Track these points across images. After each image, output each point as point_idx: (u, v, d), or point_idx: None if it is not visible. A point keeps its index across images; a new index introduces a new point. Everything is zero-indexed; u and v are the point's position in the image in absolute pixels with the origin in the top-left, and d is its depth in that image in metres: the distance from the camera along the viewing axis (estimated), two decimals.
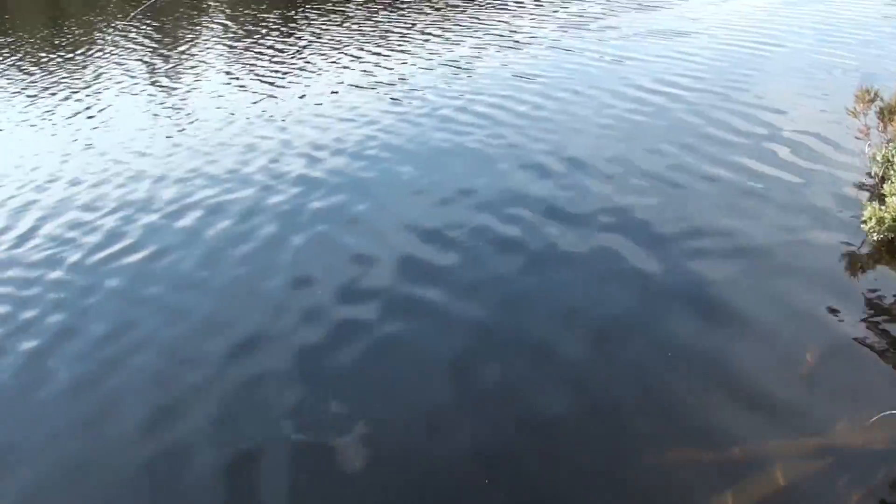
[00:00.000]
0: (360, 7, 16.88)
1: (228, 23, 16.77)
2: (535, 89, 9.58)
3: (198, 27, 16.75)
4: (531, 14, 14.56)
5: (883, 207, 5.16)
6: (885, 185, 5.42)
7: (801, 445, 3.70)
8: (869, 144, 6.05)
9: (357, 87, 10.59)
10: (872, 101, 6.08)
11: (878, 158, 5.79)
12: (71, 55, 14.91)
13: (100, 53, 14.77)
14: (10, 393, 4.85)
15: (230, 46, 14.26)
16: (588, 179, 6.71)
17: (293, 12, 16.93)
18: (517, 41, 12.49)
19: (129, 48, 15.10)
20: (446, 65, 11.37)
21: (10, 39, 17.06)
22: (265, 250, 6.11)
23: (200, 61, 13.45)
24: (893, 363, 4.15)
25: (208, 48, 14.48)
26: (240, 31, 15.65)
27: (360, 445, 4.03)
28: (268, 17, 16.73)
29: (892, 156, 5.69)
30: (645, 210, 6.05)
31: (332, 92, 10.44)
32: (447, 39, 13.08)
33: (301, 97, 10.36)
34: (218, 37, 15.43)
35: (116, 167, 8.46)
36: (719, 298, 4.89)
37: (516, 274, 5.41)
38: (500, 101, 9.23)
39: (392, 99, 9.83)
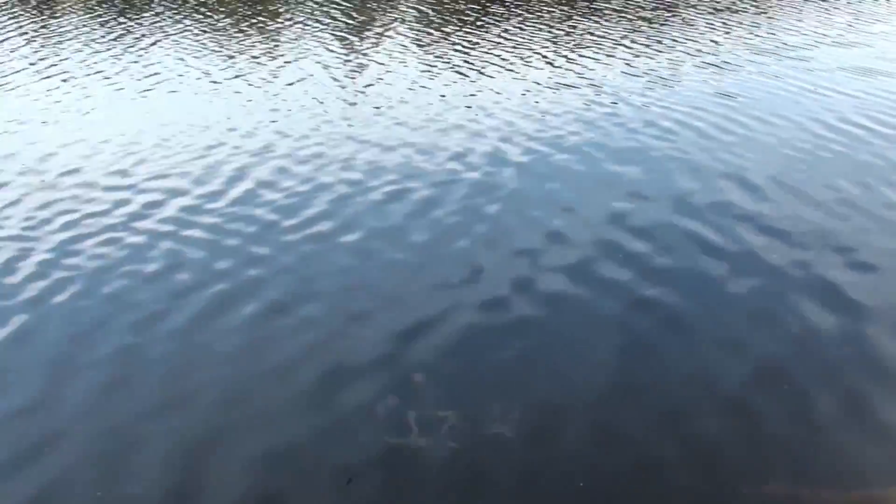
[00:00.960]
0: (552, 8, 16.96)
1: (425, 10, 17.01)
2: (733, 110, 9.80)
3: (394, 12, 16.98)
4: (727, 37, 14.55)
5: None
6: None
7: None
8: None
9: (549, 87, 10.93)
10: None
11: None
12: (272, 24, 15.59)
13: (299, 27, 15.28)
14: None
15: (427, 34, 14.54)
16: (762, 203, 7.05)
17: (487, 7, 17.10)
18: (715, 61, 12.57)
19: (327, 24, 15.54)
20: (643, 75, 11.59)
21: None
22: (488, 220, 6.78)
23: (398, 45, 13.94)
24: None
25: (402, 34, 14.80)
26: (435, 21, 15.97)
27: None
28: (463, 10, 16.93)
29: None
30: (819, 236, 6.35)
31: (525, 90, 10.80)
32: (643, 51, 13.20)
33: (497, 91, 10.74)
34: (412, 24, 15.67)
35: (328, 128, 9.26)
36: None
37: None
38: (698, 116, 9.54)
39: (586, 102, 10.18)
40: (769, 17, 15.94)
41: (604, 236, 6.37)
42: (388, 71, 12.00)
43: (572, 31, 14.89)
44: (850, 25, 15.32)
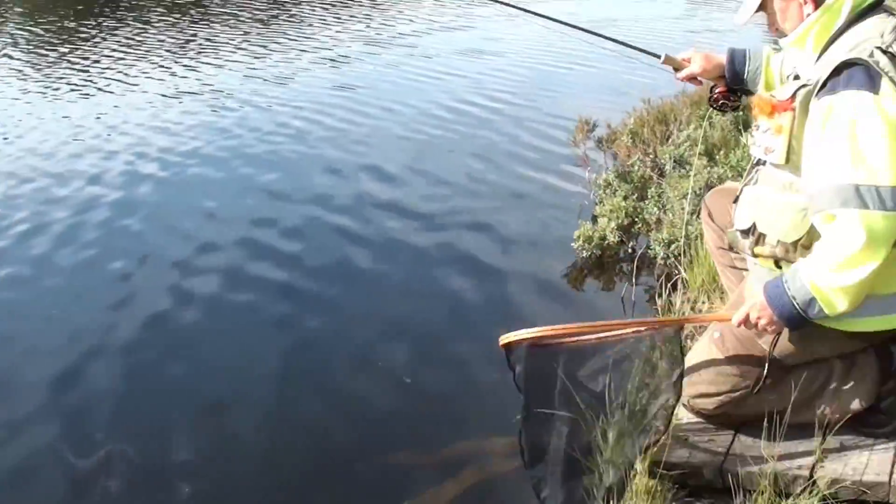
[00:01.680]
0: (166, 17, 16.43)
1: (37, 31, 15.67)
2: (358, 102, 10.01)
3: (3, 36, 15.51)
4: (342, 31, 14.82)
5: (593, 227, 5.70)
6: (597, 207, 6.02)
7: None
8: (588, 170, 6.61)
9: (176, 98, 10.54)
10: (592, 130, 6.71)
11: (600, 182, 6.32)
12: None
13: None
14: None
15: (43, 56, 13.38)
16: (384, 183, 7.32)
17: (101, 22, 16.13)
18: (334, 55, 12.76)
19: None
20: (266, 78, 11.47)
21: None
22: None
23: (13, 70, 12.79)
24: None
25: (16, 58, 13.61)
26: (50, 41, 14.70)
27: None
28: (76, 28, 15.82)
29: (610, 181, 6.26)
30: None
31: (152, 103, 10.32)
32: (262, 53, 13.21)
33: (124, 108, 10.19)
34: (25, 47, 14.53)
35: None
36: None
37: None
38: (326, 112, 9.60)
39: (214, 109, 9.99)
40: (383, 9, 16.61)
41: (252, 239, 6.30)
42: (7, 98, 10.98)
43: (192, 38, 14.57)
44: (460, 9, 16.40)
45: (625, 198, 6.00)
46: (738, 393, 2.86)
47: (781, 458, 2.80)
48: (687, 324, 2.91)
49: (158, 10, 17.71)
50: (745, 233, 2.87)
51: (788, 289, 2.56)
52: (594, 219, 5.93)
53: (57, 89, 11.39)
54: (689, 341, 3.54)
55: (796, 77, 2.83)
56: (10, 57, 13.75)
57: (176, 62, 12.74)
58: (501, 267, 5.79)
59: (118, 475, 3.89)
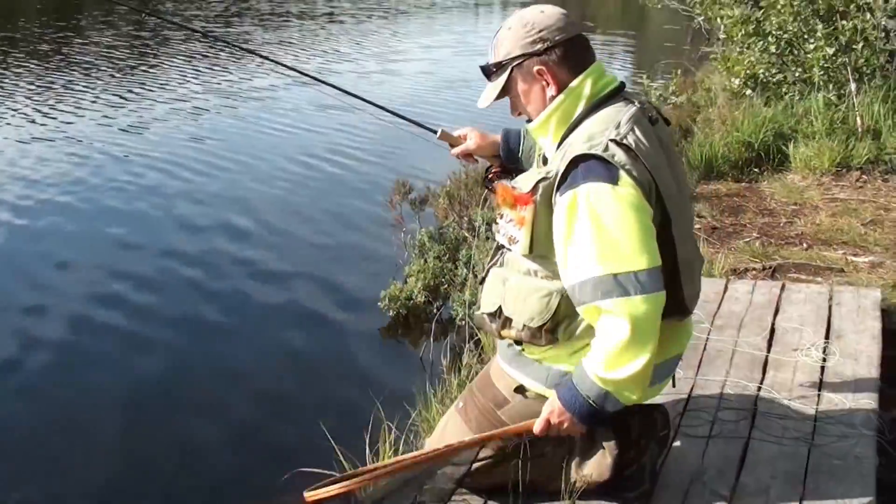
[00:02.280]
0: (25, 63, 16.39)
1: None
2: (212, 154, 10.33)
3: None
4: (197, 83, 15.00)
5: (403, 286, 5.87)
6: (406, 268, 6.18)
7: None
8: (403, 231, 6.84)
9: (31, 144, 10.74)
10: (408, 193, 6.98)
11: (415, 242, 6.46)
12: None
13: None
14: None
15: None
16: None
17: None
18: (188, 107, 12.98)
19: None
20: (122, 128, 11.73)
21: None
22: None
23: None
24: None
25: None
26: None
27: None
28: None
29: (424, 241, 6.40)
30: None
31: (4, 150, 10.35)
32: (119, 102, 13.39)
33: None
34: None
35: None
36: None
37: None
38: (180, 163, 9.86)
39: (70, 157, 10.13)
40: (238, 62, 16.89)
41: (102, 289, 6.49)
42: None
43: (50, 85, 14.39)
44: (317, 63, 17.03)
45: (437, 258, 6.15)
46: (481, 462, 2.91)
47: None
48: (489, 441, 2.86)
49: (17, 54, 17.39)
50: (492, 315, 2.86)
51: (580, 390, 2.56)
52: (406, 279, 6.09)
53: None
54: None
55: (545, 161, 2.84)
56: None
57: (34, 109, 12.60)
58: (319, 320, 6.08)
59: None
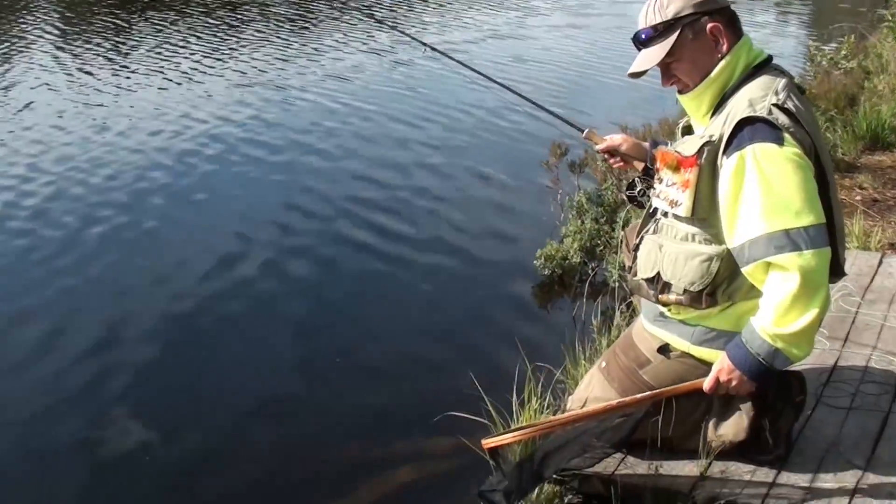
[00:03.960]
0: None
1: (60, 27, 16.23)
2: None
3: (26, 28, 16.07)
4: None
5: (559, 247, 5.96)
6: (563, 228, 6.28)
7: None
8: (560, 192, 6.83)
9: (238, 86, 11.48)
10: (564, 154, 6.92)
11: (573, 204, 6.50)
12: None
13: None
14: None
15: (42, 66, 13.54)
16: None
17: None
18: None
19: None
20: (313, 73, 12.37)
21: None
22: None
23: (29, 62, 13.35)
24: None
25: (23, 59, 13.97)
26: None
27: None
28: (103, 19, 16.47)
29: (582, 203, 6.44)
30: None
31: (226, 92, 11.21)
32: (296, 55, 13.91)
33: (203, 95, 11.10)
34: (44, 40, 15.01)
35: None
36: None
37: None
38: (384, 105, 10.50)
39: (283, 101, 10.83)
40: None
41: (288, 233, 6.95)
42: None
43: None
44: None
45: (594, 220, 6.19)
46: (628, 420, 3.00)
47: (665, 477, 3.02)
48: (661, 397, 2.95)
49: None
50: (650, 281, 2.95)
51: (750, 348, 2.61)
52: (562, 239, 6.16)
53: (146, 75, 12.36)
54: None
55: (687, 129, 2.97)
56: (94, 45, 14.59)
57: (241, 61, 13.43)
58: (474, 275, 6.21)
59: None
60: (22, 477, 4.16)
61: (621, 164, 3.51)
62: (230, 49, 14.44)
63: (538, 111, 4.26)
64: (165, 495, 4.04)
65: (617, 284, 5.33)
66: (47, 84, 12.03)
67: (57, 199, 7.64)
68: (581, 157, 7.09)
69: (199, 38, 15.41)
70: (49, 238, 6.81)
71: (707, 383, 2.78)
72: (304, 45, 15.13)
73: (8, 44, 15.00)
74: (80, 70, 12.87)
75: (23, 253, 6.56)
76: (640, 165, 3.36)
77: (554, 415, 3.43)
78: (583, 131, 3.52)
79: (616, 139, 3.39)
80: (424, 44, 4.67)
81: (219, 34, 15.71)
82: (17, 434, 4.46)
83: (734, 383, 2.70)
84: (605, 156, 3.50)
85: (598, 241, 6.11)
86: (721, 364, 2.73)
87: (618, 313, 4.77)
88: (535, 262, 6.00)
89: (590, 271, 5.96)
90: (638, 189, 3.29)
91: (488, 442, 2.99)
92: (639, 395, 2.97)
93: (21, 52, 14.29)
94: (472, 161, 8.80)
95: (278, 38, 15.60)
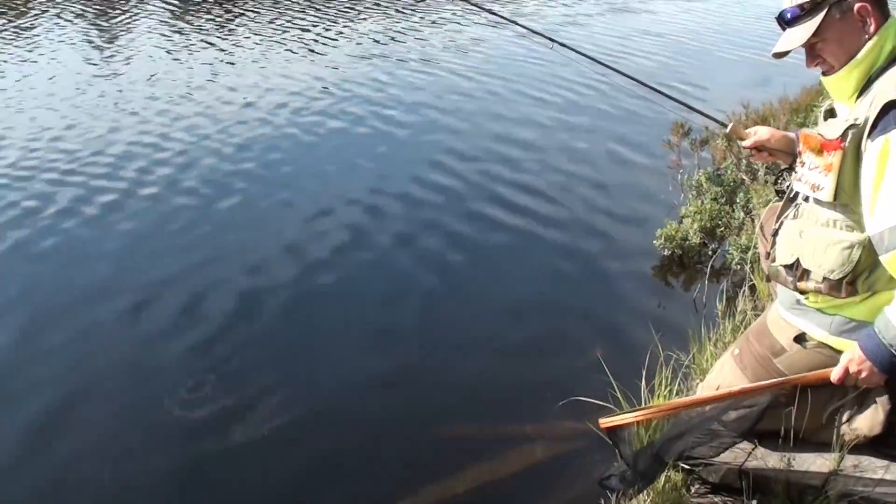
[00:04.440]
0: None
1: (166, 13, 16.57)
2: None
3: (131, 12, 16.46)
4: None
5: (678, 227, 5.92)
6: (682, 209, 6.24)
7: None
8: (681, 172, 6.83)
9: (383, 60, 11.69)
10: (686, 134, 6.94)
11: (692, 183, 6.50)
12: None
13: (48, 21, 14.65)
14: None
15: (164, 36, 14.03)
16: None
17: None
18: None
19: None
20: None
21: None
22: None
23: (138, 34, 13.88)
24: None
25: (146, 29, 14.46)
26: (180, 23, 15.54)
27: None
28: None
29: (702, 182, 6.42)
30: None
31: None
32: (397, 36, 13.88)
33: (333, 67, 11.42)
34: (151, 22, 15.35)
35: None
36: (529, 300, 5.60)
37: None
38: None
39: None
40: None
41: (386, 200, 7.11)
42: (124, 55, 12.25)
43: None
44: None
45: (714, 200, 6.15)
46: (754, 408, 2.98)
47: (797, 469, 2.98)
48: (787, 385, 2.91)
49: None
50: (789, 268, 2.91)
51: (884, 339, 2.54)
52: (681, 220, 6.11)
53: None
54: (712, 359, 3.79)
55: (830, 111, 2.88)
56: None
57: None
58: (594, 254, 6.16)
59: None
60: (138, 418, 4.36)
61: (769, 157, 3.42)
62: (349, 20, 14.76)
63: (663, 99, 4.25)
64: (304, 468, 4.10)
65: (739, 267, 5.25)
66: (171, 54, 12.52)
67: (191, 168, 7.95)
68: (702, 135, 7.02)
69: (317, 9, 15.74)
70: (184, 207, 7.06)
71: (836, 373, 2.73)
72: (423, 17, 15.33)
73: (129, 14, 15.65)
74: (202, 41, 13.35)
75: (159, 222, 6.79)
76: (788, 159, 3.27)
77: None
78: (726, 126, 3.43)
79: (763, 133, 3.31)
80: (552, 40, 4.70)
81: (337, 5, 16.04)
82: (155, 388, 4.63)
83: (864, 374, 2.64)
84: (752, 151, 3.40)
85: (720, 223, 6.03)
86: (851, 354, 2.66)
87: (741, 297, 4.67)
88: (654, 241, 5.97)
89: (710, 252, 5.90)
90: (787, 184, 3.19)
91: (606, 421, 2.97)
92: (764, 383, 2.94)
93: (140, 22, 14.89)
94: (592, 140, 8.76)
95: (396, 10, 15.84)
